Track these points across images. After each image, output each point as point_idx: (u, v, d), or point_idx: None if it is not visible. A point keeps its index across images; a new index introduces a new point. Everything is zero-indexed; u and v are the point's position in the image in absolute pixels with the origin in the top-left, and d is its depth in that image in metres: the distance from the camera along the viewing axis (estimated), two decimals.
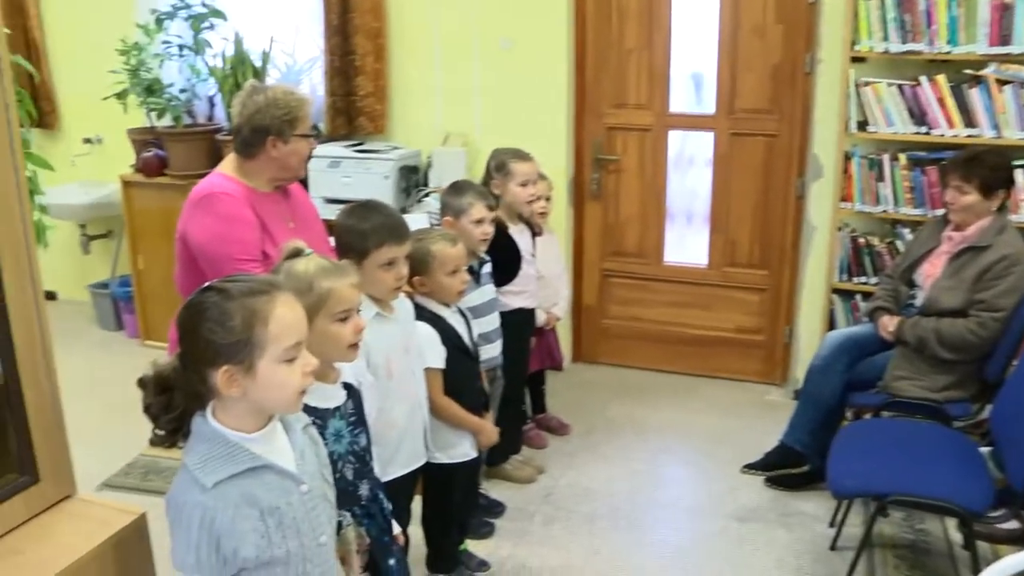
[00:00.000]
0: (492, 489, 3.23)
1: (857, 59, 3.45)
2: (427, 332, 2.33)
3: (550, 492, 3.29)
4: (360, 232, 2.10)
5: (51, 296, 5.45)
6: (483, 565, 2.78)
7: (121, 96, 4.17)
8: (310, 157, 4.03)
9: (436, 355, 2.33)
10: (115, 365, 4.41)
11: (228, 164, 2.52)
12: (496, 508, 3.11)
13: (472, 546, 2.86)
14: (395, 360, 2.15)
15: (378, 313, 2.13)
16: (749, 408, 4.00)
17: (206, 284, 1.43)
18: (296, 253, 1.77)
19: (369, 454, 1.90)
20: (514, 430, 3.31)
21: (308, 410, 1.70)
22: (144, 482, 3.37)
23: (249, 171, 2.44)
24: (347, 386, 1.85)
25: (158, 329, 4.66)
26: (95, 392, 4.01)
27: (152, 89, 4.17)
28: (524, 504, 3.20)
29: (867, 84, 3.40)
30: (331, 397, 1.80)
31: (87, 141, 4.91)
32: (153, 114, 4.31)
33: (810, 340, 3.92)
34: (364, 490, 1.88)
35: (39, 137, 5.09)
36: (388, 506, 1.95)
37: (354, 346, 1.78)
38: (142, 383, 1.45)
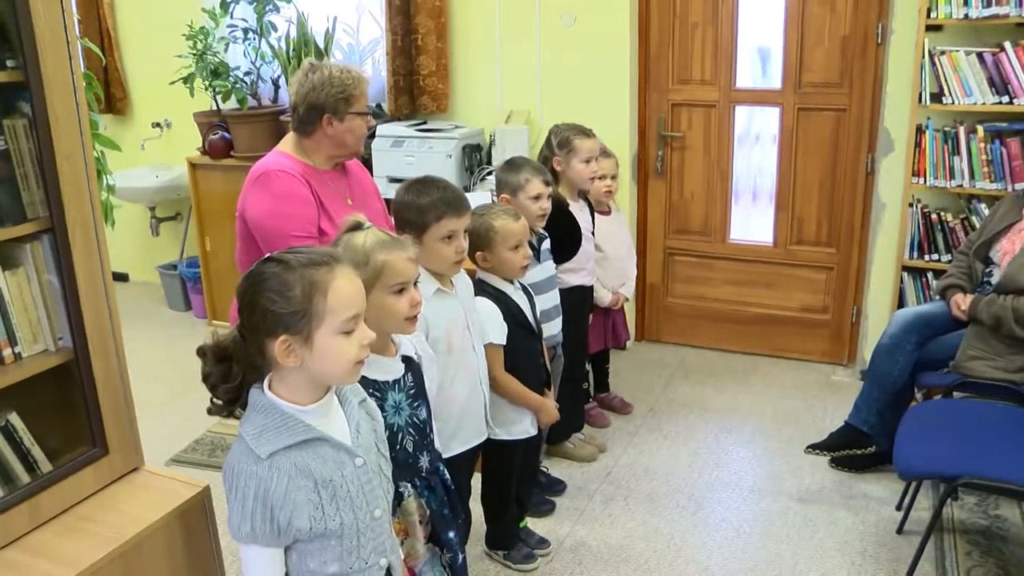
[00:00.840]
0: (553, 467, 3.23)
1: (932, 27, 3.32)
2: (489, 308, 2.33)
3: (610, 471, 3.27)
4: (419, 206, 2.11)
5: (122, 277, 5.62)
6: (543, 543, 2.79)
7: (188, 80, 4.25)
8: (371, 135, 4.10)
9: (498, 331, 2.33)
10: (183, 345, 4.48)
11: (287, 142, 2.55)
12: (557, 486, 3.11)
13: (532, 524, 2.87)
14: (455, 336, 2.16)
15: (439, 289, 2.14)
16: (814, 388, 3.93)
17: (266, 256, 1.45)
18: (356, 226, 1.78)
19: (429, 427, 1.91)
20: (575, 408, 3.30)
21: (366, 382, 1.72)
22: (211, 458, 3.46)
23: (307, 149, 2.47)
24: (406, 359, 1.86)
25: (225, 309, 4.76)
26: (164, 371, 4.14)
27: (218, 72, 4.24)
28: (584, 483, 3.19)
29: (942, 53, 3.27)
30: (390, 370, 1.81)
31: (156, 126, 5.04)
32: (219, 97, 4.39)
33: (878, 320, 3.83)
34: (424, 462, 1.89)
35: (111, 123, 5.24)
36: (448, 478, 1.96)
37: (411, 319, 1.79)
38: (201, 352, 1.48)
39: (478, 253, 2.36)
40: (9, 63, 1.73)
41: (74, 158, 1.83)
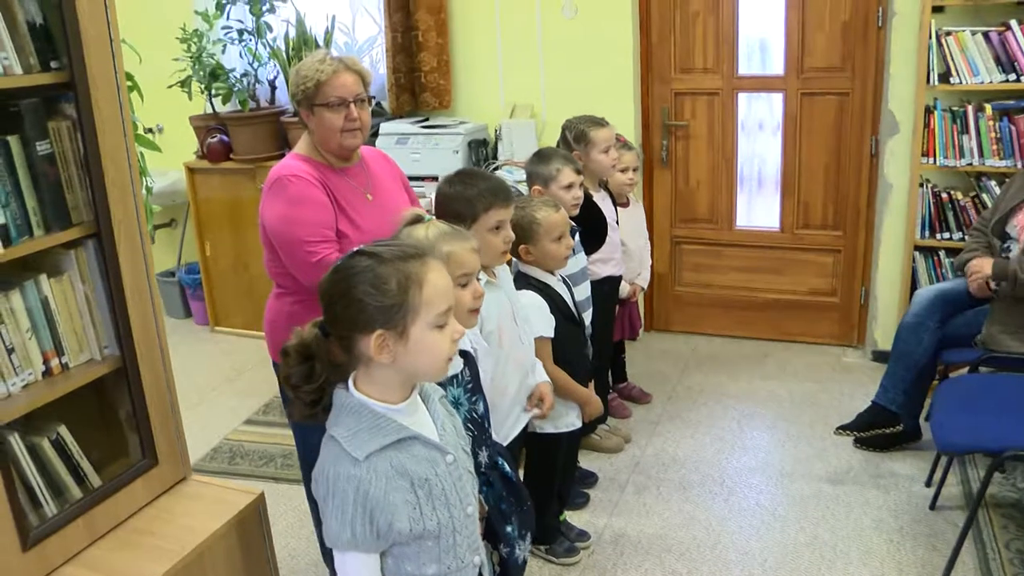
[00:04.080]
0: (581, 459, 3.20)
1: (937, 8, 3.35)
2: (535, 301, 2.31)
3: (638, 461, 3.27)
4: (467, 198, 2.08)
5: None
6: (583, 535, 2.78)
7: (185, 83, 4.17)
8: (374, 133, 4.05)
9: (546, 324, 2.31)
10: (187, 352, 4.45)
11: (302, 143, 2.49)
12: (589, 478, 3.10)
13: (568, 516, 2.86)
14: (506, 328, 2.14)
15: (488, 281, 2.12)
16: (826, 371, 3.95)
17: (355, 249, 1.41)
18: (417, 219, 1.75)
19: (487, 420, 1.89)
20: (601, 399, 3.27)
21: None
22: (231, 466, 3.41)
23: (316, 147, 2.41)
24: (463, 353, 1.84)
25: (228, 315, 4.71)
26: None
27: (216, 75, 4.17)
28: (614, 474, 3.18)
29: (948, 34, 3.30)
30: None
31: (148, 131, 4.93)
32: (216, 100, 4.32)
33: (888, 300, 3.86)
34: (483, 457, 1.86)
35: None
36: (509, 471, 1.94)
37: (474, 311, 1.76)
38: (285, 352, 1.42)
39: (521, 246, 2.34)
40: (54, 64, 1.69)
41: (119, 160, 1.78)
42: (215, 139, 4.31)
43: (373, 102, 2.47)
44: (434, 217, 1.80)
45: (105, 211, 1.76)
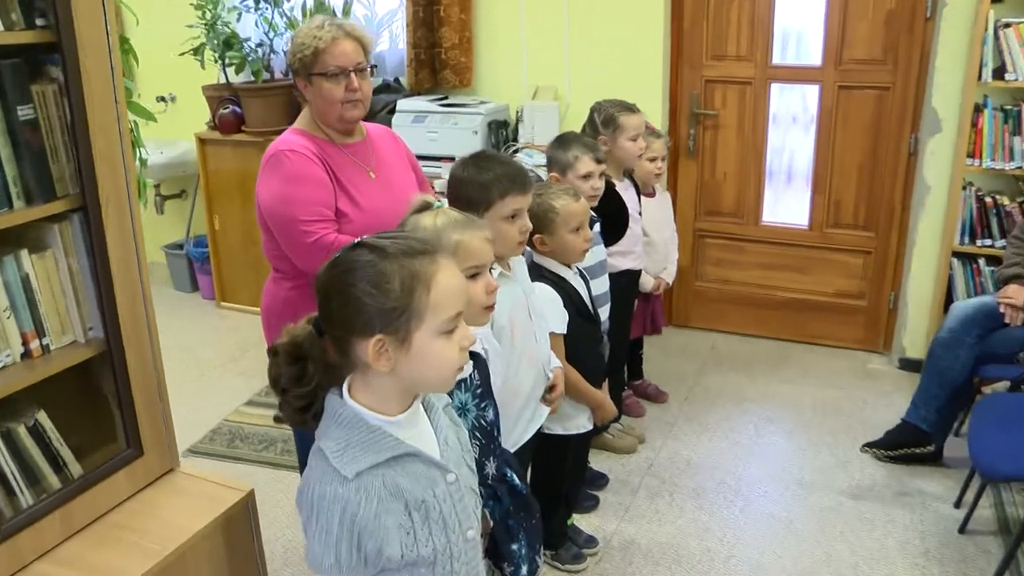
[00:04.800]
0: (592, 460, 3.06)
1: None
2: (549, 295, 2.16)
3: (652, 463, 3.13)
4: (480, 184, 1.91)
5: None
6: (591, 541, 2.65)
7: (198, 51, 4.04)
8: (391, 111, 3.91)
9: (559, 319, 2.16)
10: (192, 328, 4.35)
11: (302, 117, 2.35)
12: (599, 480, 2.97)
13: (576, 520, 2.73)
14: (519, 323, 1.98)
15: (501, 272, 1.96)
16: (850, 377, 3.79)
17: (357, 240, 1.26)
18: (425, 207, 1.60)
19: (497, 428, 1.75)
20: (615, 397, 3.12)
21: None
22: (230, 448, 3.29)
23: (316, 120, 2.27)
24: (474, 355, 1.70)
25: (235, 291, 4.59)
26: (172, 356, 3.87)
27: (230, 43, 4.03)
28: (626, 476, 3.05)
29: (1007, 26, 3.09)
30: None
31: (160, 100, 4.82)
32: (230, 70, 4.18)
33: (919, 306, 3.70)
34: (491, 468, 1.73)
35: None
36: (519, 483, 1.80)
37: (488, 308, 1.62)
38: (274, 351, 1.28)
39: (536, 236, 2.19)
40: (39, 22, 1.55)
41: (108, 128, 1.65)
42: (227, 110, 4.18)
43: (375, 71, 2.31)
44: (445, 203, 1.65)
45: (92, 184, 1.63)
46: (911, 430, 3.02)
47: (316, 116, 2.26)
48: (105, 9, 1.58)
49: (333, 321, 1.24)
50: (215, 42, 4.01)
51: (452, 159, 3.74)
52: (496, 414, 1.75)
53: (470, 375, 1.68)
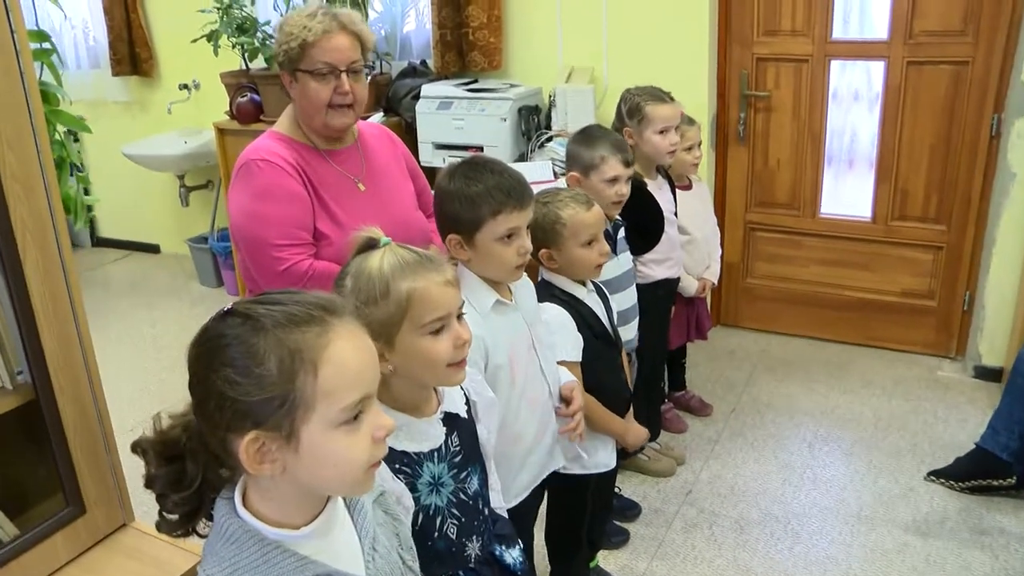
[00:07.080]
0: (624, 484, 2.79)
1: None
2: (560, 317, 1.86)
3: (691, 489, 2.83)
4: (468, 197, 1.61)
5: (154, 249, 5.31)
6: None
7: (212, 37, 3.81)
8: (415, 96, 3.63)
9: (571, 345, 1.87)
10: None
11: (284, 117, 2.08)
12: (630, 510, 2.68)
13: (603, 557, 2.46)
14: (520, 358, 1.70)
15: (497, 301, 1.68)
16: (918, 386, 3.43)
17: (227, 308, 0.97)
18: (369, 244, 1.30)
19: (483, 500, 1.45)
20: (652, 415, 2.83)
21: (392, 456, 1.27)
22: None
23: (299, 123, 2.00)
24: (450, 417, 1.40)
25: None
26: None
27: (244, 28, 3.79)
28: (662, 504, 2.76)
29: None
30: (426, 436, 1.34)
31: (183, 87, 4.64)
32: (247, 56, 3.96)
33: (999, 309, 3.32)
34: (473, 549, 1.42)
35: (137, 85, 4.87)
36: (512, 559, 1.51)
37: (457, 365, 1.32)
38: (139, 449, 1.01)
39: (543, 251, 1.90)
40: None
41: (22, 146, 1.40)
42: (245, 98, 3.95)
43: (372, 72, 2.03)
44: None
45: (3, 210, 1.39)
46: (987, 458, 2.65)
47: (299, 118, 2.01)
48: (7, 4, 1.33)
49: (203, 414, 0.96)
50: (230, 27, 3.78)
51: (480, 149, 3.48)
52: (483, 482, 1.46)
53: (445, 442, 1.39)
